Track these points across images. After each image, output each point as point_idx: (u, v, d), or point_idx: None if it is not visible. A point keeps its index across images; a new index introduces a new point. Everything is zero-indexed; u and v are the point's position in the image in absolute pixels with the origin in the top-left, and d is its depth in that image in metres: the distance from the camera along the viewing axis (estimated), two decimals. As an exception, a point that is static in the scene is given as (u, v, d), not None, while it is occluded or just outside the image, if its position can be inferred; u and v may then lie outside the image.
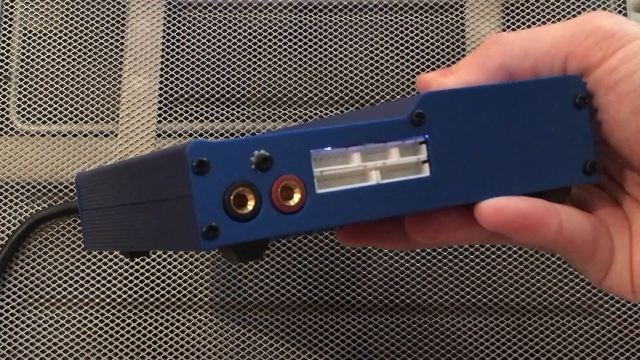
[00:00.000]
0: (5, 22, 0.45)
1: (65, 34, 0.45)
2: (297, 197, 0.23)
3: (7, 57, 0.45)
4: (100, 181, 0.30)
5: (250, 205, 0.22)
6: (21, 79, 0.45)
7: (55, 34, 0.45)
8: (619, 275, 0.27)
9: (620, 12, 0.45)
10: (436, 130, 0.25)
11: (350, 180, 0.24)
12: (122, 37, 0.45)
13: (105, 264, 0.42)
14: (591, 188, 0.29)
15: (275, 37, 0.45)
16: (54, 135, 0.44)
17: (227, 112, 0.44)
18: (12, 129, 0.44)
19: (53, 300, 0.42)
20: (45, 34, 0.45)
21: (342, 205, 0.24)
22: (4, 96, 0.44)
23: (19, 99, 0.44)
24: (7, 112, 0.44)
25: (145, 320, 0.41)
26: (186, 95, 0.44)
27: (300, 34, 0.45)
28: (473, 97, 0.26)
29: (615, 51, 0.26)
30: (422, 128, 0.25)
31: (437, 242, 0.27)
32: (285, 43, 0.45)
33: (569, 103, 0.27)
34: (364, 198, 0.24)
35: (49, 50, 0.45)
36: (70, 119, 0.44)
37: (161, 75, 0.44)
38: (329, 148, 0.24)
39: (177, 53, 0.45)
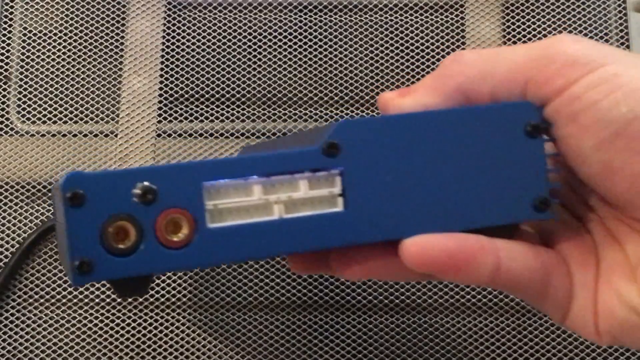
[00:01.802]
0: (5, 22, 0.45)
1: (65, 34, 0.45)
2: (184, 232, 0.22)
3: (7, 57, 0.45)
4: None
5: (131, 239, 0.21)
6: (21, 79, 0.45)
7: (55, 34, 0.45)
8: (581, 316, 0.25)
9: (620, 12, 0.45)
10: (353, 161, 0.23)
11: (249, 214, 0.23)
12: (122, 37, 0.45)
13: (105, 264, 0.42)
14: (559, 214, 0.27)
15: (275, 37, 0.45)
16: (54, 135, 0.44)
17: (227, 112, 0.44)
18: (12, 129, 0.44)
19: (53, 300, 0.42)
20: (45, 34, 0.45)
21: (238, 241, 0.22)
22: (4, 96, 0.44)
23: (19, 99, 0.44)
24: (7, 112, 0.44)
25: (145, 320, 0.41)
26: (186, 95, 0.44)
27: (300, 34, 0.45)
28: (400, 126, 0.24)
29: (578, 79, 0.24)
30: (337, 159, 0.23)
31: (365, 277, 0.26)
32: (285, 43, 0.45)
33: (520, 131, 0.24)
34: (264, 233, 0.22)
35: (49, 50, 0.45)
36: (70, 119, 0.44)
37: (161, 75, 0.44)
38: (225, 180, 0.22)
39: (177, 53, 0.45)
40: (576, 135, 0.24)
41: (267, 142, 0.32)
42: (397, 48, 0.45)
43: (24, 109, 0.44)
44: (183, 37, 0.45)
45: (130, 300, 0.42)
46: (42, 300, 0.42)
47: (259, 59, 0.45)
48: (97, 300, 0.42)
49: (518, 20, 0.45)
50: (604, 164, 0.23)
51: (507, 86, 0.25)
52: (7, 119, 0.44)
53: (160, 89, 0.44)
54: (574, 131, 0.24)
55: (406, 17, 0.46)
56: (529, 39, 0.45)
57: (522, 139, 0.24)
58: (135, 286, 0.22)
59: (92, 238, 0.21)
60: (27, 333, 0.41)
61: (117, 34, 0.45)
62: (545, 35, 0.45)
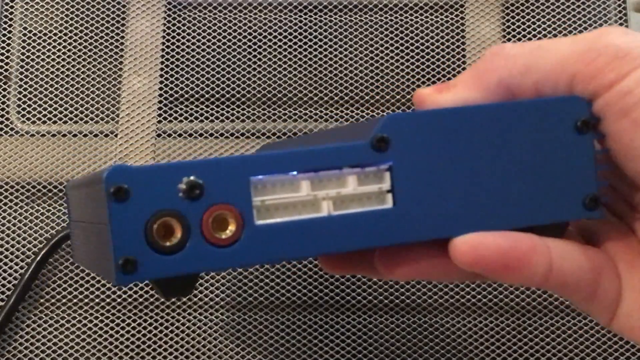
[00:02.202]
0: (5, 22, 0.45)
1: (65, 34, 0.45)
2: (231, 228, 0.21)
3: (7, 57, 0.45)
4: (77, 192, 0.28)
5: (177, 236, 0.21)
6: (21, 79, 0.45)
7: (55, 34, 0.45)
8: (629, 318, 0.24)
9: (620, 12, 0.45)
10: (403, 156, 0.22)
11: (297, 210, 0.22)
12: (122, 37, 0.45)
13: (105, 264, 0.42)
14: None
15: (275, 37, 0.45)
16: (54, 135, 0.44)
17: (227, 112, 0.44)
18: (12, 129, 0.44)
19: (53, 300, 0.42)
20: (45, 34, 0.45)
21: (286, 239, 0.21)
22: (4, 96, 0.44)
23: (19, 99, 0.44)
24: (7, 112, 0.44)
25: (145, 320, 0.41)
26: (186, 95, 0.44)
27: (300, 34, 0.45)
28: (450, 120, 0.23)
29: (629, 72, 0.23)
30: (386, 154, 0.22)
31: (412, 278, 0.25)
32: (285, 43, 0.45)
33: (570, 127, 0.24)
34: (312, 231, 0.22)
35: (49, 50, 0.45)
36: (70, 119, 0.44)
37: (161, 75, 0.44)
38: (272, 175, 0.21)
39: (177, 53, 0.45)
40: (628, 130, 0.23)
41: (294, 139, 0.31)
42: (397, 48, 0.45)
43: (24, 109, 0.44)
44: (183, 37, 0.45)
45: (130, 300, 0.42)
46: (42, 301, 0.42)
47: (259, 59, 0.45)
48: (97, 300, 0.42)
49: (518, 20, 0.45)
50: None
51: (552, 80, 0.24)
52: (7, 119, 0.44)
53: (160, 89, 0.44)
54: (625, 126, 0.23)
55: (406, 17, 0.46)
56: (529, 39, 0.45)
57: (571, 135, 0.24)
58: (181, 286, 0.21)
59: (137, 235, 0.20)
60: (27, 333, 0.41)
61: (117, 34, 0.45)
62: (545, 35, 0.45)
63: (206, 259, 0.21)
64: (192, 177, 0.21)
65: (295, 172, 0.22)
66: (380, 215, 0.22)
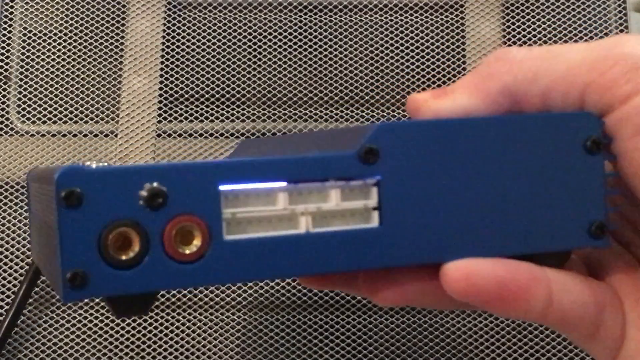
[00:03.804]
0: (5, 22, 0.45)
1: (65, 34, 0.45)
2: (197, 243, 0.19)
3: (7, 57, 0.45)
4: (36, 184, 0.25)
5: (135, 249, 0.18)
6: (21, 79, 0.45)
7: (55, 34, 0.45)
8: (632, 359, 0.22)
9: (620, 12, 0.45)
10: (392, 170, 0.20)
11: (272, 226, 0.20)
12: (122, 37, 0.45)
13: (105, 264, 0.42)
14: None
15: (275, 37, 0.45)
16: (54, 135, 0.44)
17: (227, 112, 0.44)
18: (12, 129, 0.44)
19: (53, 300, 0.42)
20: (45, 34, 0.45)
21: (258, 257, 0.19)
22: (4, 96, 0.44)
23: (19, 99, 0.44)
24: (7, 112, 0.44)
25: (145, 320, 0.41)
26: (186, 95, 0.44)
27: (300, 34, 0.45)
28: (446, 132, 0.21)
29: None
30: (374, 167, 0.20)
31: (399, 304, 0.23)
32: (285, 43, 0.45)
33: (579, 146, 0.22)
34: (287, 249, 0.19)
35: (49, 50, 0.45)
36: (70, 119, 0.44)
37: (161, 75, 0.44)
38: (246, 185, 0.19)
39: (177, 53, 0.45)
40: None
41: (273, 140, 0.29)
42: (397, 48, 0.45)
43: (24, 109, 0.44)
44: (183, 37, 0.45)
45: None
46: (42, 300, 0.42)
47: (259, 59, 0.45)
48: (97, 300, 0.42)
49: (518, 20, 0.45)
50: None
51: (562, 89, 0.22)
52: (7, 119, 0.44)
53: (160, 89, 0.44)
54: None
55: (406, 17, 0.46)
56: (529, 39, 0.45)
57: (580, 155, 0.22)
58: (136, 305, 0.19)
59: (89, 246, 0.18)
60: (27, 333, 0.41)
61: (117, 34, 0.45)
62: (545, 35, 0.45)
63: (166, 276, 0.19)
64: (154, 184, 0.18)
65: (271, 183, 0.20)
66: (365, 235, 0.20)
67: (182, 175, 0.19)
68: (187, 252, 0.19)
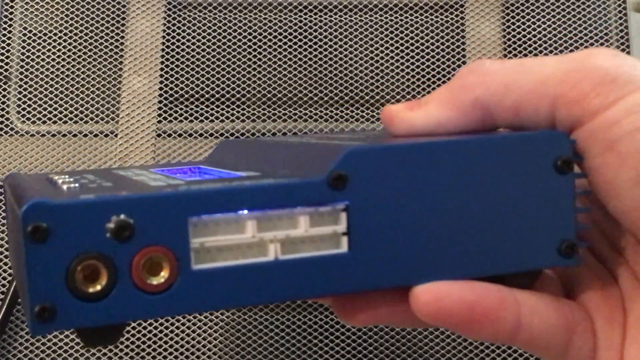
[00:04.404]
0: (5, 22, 0.45)
1: (65, 34, 0.45)
2: (164, 274, 0.19)
3: (7, 57, 0.45)
4: (9, 201, 0.25)
5: (102, 282, 0.18)
6: (21, 79, 0.45)
7: (55, 34, 0.45)
8: None
9: (620, 12, 0.45)
10: (361, 195, 0.20)
11: (241, 254, 0.19)
12: (122, 37, 0.45)
13: (105, 264, 0.42)
14: (584, 257, 0.23)
15: (275, 37, 0.45)
16: (54, 135, 0.44)
17: (227, 112, 0.44)
18: (12, 129, 0.44)
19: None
20: (45, 34, 0.45)
21: (226, 286, 0.19)
22: (4, 96, 0.44)
23: (19, 99, 0.44)
24: (7, 112, 0.44)
25: (145, 320, 0.41)
26: (186, 95, 0.44)
27: (300, 34, 0.45)
28: (415, 156, 0.21)
29: (617, 100, 0.20)
30: (343, 192, 0.20)
31: (371, 324, 0.22)
32: (285, 43, 0.45)
33: (548, 166, 0.21)
34: (256, 277, 0.19)
35: (49, 50, 0.45)
36: (70, 119, 0.44)
37: (161, 75, 0.44)
38: (214, 214, 0.19)
39: (177, 53, 0.45)
40: (612, 165, 0.21)
41: (250, 147, 0.29)
42: (397, 48, 0.45)
43: (24, 109, 0.44)
44: (183, 37, 0.45)
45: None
46: (42, 300, 0.42)
47: (259, 59, 0.45)
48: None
49: (518, 20, 0.45)
50: None
51: (533, 101, 0.22)
52: (7, 119, 0.44)
53: (160, 89, 0.44)
54: (610, 161, 0.21)
55: (406, 17, 0.46)
56: (529, 39, 0.45)
57: (549, 175, 0.21)
58: (105, 335, 0.19)
59: (57, 280, 0.18)
60: (27, 333, 0.41)
61: (117, 34, 0.45)
62: (545, 35, 0.45)
63: (134, 306, 0.19)
64: (121, 216, 0.18)
65: (240, 211, 0.19)
66: (334, 261, 0.20)
67: (149, 206, 0.18)
68: (155, 282, 0.19)
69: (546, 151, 0.21)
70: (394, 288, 0.21)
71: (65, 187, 0.21)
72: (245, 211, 0.19)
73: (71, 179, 0.23)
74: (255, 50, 0.45)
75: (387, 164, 0.20)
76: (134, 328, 0.41)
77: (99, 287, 0.18)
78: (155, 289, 0.19)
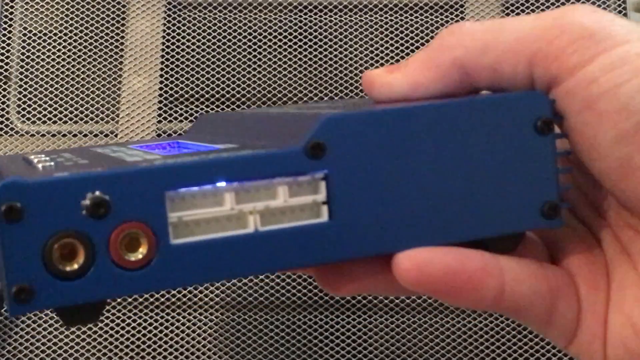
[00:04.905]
0: (5, 22, 0.45)
1: (65, 34, 0.45)
2: (142, 250, 0.18)
3: (7, 57, 0.45)
4: None
5: (80, 260, 0.18)
6: (21, 79, 0.45)
7: (55, 34, 0.45)
8: (587, 344, 0.22)
9: (620, 12, 0.45)
10: (340, 163, 0.20)
11: (220, 226, 0.19)
12: (122, 37, 0.45)
13: (105, 264, 0.42)
14: (567, 220, 0.23)
15: (275, 37, 0.45)
16: (54, 135, 0.44)
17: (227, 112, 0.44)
18: (12, 129, 0.44)
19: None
20: (45, 34, 0.45)
21: (206, 259, 0.19)
22: (4, 96, 0.44)
23: (19, 99, 0.44)
24: (7, 112, 0.44)
25: (145, 320, 0.41)
26: (186, 95, 0.44)
27: (300, 34, 0.45)
28: (393, 121, 0.20)
29: (595, 56, 0.20)
30: (321, 161, 0.20)
31: (355, 294, 0.22)
32: (285, 43, 0.45)
33: (528, 127, 0.21)
34: (236, 250, 0.19)
35: (49, 50, 0.45)
36: (70, 119, 0.44)
37: (161, 75, 0.44)
38: (190, 188, 0.19)
39: (177, 53, 0.45)
40: (592, 124, 0.20)
41: (228, 119, 0.28)
42: (397, 48, 0.45)
43: (24, 109, 0.44)
44: (183, 37, 0.45)
45: (130, 300, 0.42)
46: (42, 300, 0.42)
47: (259, 59, 0.45)
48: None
49: (518, 20, 0.45)
50: (623, 159, 0.20)
51: (511, 59, 0.21)
52: (7, 119, 0.44)
53: (160, 89, 0.44)
54: (589, 119, 0.20)
55: (406, 17, 0.46)
56: (529, 39, 0.45)
57: (530, 136, 0.21)
58: (85, 313, 0.19)
59: (33, 260, 0.18)
60: (27, 333, 0.41)
61: (117, 34, 0.45)
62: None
63: (113, 284, 0.18)
64: (97, 193, 0.18)
65: (217, 183, 0.19)
66: (315, 230, 0.20)
67: (125, 182, 0.18)
68: (134, 259, 0.18)
69: (525, 112, 0.21)
70: (376, 256, 0.21)
71: (40, 165, 0.20)
72: (224, 183, 0.19)
73: (47, 158, 0.23)
74: (255, 50, 0.45)
75: (365, 130, 0.20)
76: (133, 328, 0.41)
77: (76, 266, 0.18)
78: (134, 265, 0.18)
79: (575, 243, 0.23)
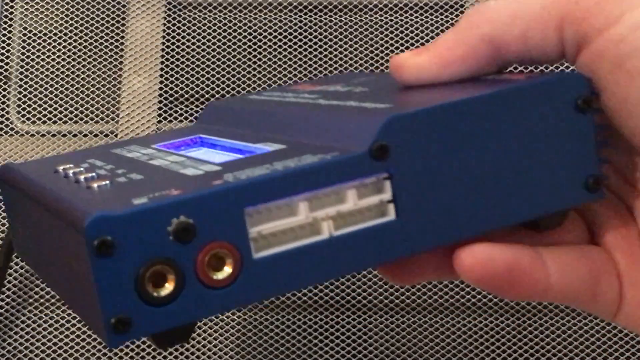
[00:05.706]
0: (5, 22, 0.45)
1: (65, 34, 0.45)
2: (228, 267, 0.19)
3: (7, 57, 0.45)
4: (27, 200, 0.24)
5: (171, 284, 0.18)
6: (21, 79, 0.45)
7: (55, 34, 0.45)
8: (632, 314, 0.23)
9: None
10: (402, 161, 0.20)
11: (297, 236, 0.20)
12: (122, 37, 0.45)
13: (105, 264, 0.42)
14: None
15: (275, 37, 0.45)
16: (54, 135, 0.44)
17: (227, 112, 0.44)
18: (12, 129, 0.44)
19: (53, 300, 0.42)
20: (45, 34, 0.45)
21: (287, 270, 0.19)
22: (4, 96, 0.44)
23: (19, 99, 0.44)
24: (7, 112, 0.44)
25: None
26: (186, 95, 0.44)
27: (300, 34, 0.45)
28: (448, 114, 0.21)
29: (622, 15, 0.20)
30: (386, 162, 0.20)
31: (418, 282, 0.23)
32: (285, 43, 0.45)
33: (570, 107, 0.22)
34: (314, 256, 0.20)
35: (49, 50, 0.45)
36: (70, 119, 0.44)
37: (161, 75, 0.44)
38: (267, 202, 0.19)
39: (177, 53, 0.45)
40: (623, 83, 0.20)
41: (245, 109, 0.28)
42: (397, 48, 0.45)
43: (24, 109, 0.44)
44: (183, 37, 0.45)
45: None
46: (42, 300, 0.42)
47: (259, 59, 0.45)
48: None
49: (518, 20, 0.45)
50: None
51: (540, 26, 0.22)
52: (7, 119, 0.44)
53: (160, 89, 0.44)
54: (619, 79, 0.20)
55: (406, 17, 0.46)
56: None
57: (572, 115, 0.22)
58: (178, 336, 0.19)
59: (128, 290, 0.18)
60: (27, 333, 0.41)
61: (117, 34, 0.45)
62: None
63: (204, 304, 0.19)
64: (181, 217, 0.18)
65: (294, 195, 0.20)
66: (383, 229, 0.20)
67: (207, 204, 0.19)
68: (221, 277, 0.19)
69: (567, 93, 0.22)
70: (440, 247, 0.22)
71: (95, 185, 0.20)
72: (297, 195, 0.20)
73: (81, 169, 0.23)
74: (255, 50, 0.45)
75: (425, 126, 0.21)
76: (134, 328, 0.41)
77: (168, 291, 0.18)
78: (222, 283, 0.19)
79: (612, 217, 0.24)
